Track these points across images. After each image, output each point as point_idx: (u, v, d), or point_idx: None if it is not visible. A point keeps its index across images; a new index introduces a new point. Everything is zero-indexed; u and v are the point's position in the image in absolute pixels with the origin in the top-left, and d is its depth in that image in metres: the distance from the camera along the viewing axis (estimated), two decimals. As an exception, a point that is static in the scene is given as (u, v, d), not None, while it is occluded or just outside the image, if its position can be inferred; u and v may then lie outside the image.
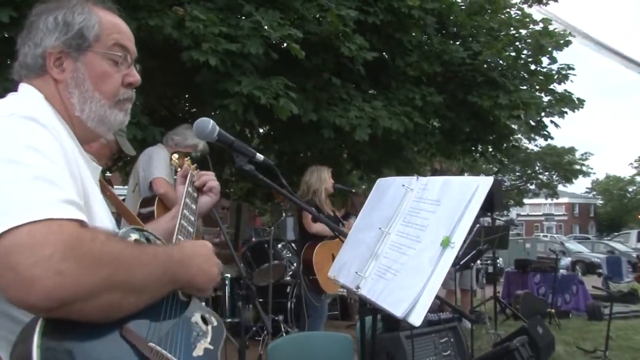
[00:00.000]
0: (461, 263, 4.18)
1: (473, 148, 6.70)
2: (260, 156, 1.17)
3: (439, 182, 1.11)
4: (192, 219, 0.97)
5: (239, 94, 3.65)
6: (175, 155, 1.21)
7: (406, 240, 1.08)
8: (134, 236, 0.72)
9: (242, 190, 10.02)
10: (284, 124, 4.72)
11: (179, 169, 1.15)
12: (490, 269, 7.47)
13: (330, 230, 3.77)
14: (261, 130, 7.36)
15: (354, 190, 4.09)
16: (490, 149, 6.71)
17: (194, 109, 5.84)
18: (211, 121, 1.09)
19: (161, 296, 0.69)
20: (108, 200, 0.87)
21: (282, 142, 5.89)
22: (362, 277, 1.12)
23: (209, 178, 1.09)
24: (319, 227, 3.30)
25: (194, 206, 1.03)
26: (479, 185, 1.01)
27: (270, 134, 6.58)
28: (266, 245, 4.17)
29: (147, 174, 2.51)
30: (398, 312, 0.95)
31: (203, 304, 0.81)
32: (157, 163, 2.48)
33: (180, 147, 2.54)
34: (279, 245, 4.99)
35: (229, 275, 3.98)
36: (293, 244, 4.94)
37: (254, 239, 4.77)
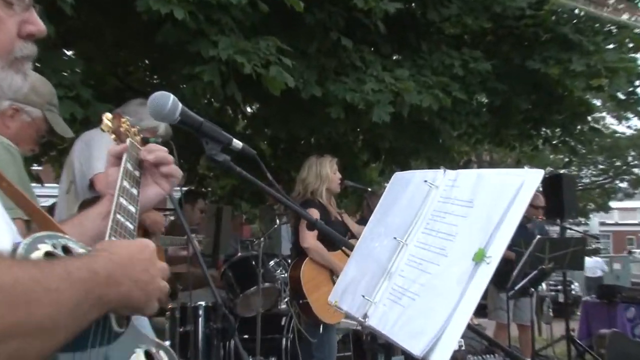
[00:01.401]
0: (516, 288, 4.10)
1: (534, 132, 6.68)
2: (238, 143, 1.20)
3: (471, 177, 1.11)
4: (133, 210, 0.93)
5: (215, 59, 3.68)
6: (108, 116, 1.14)
7: (428, 253, 1.09)
8: (45, 248, 0.68)
9: (224, 190, 10.14)
10: (277, 101, 4.76)
11: (112, 137, 1.11)
12: (561, 298, 7.32)
13: (328, 246, 3.78)
14: (248, 110, 7.44)
15: (369, 189, 4.11)
16: (559, 133, 6.64)
17: (156, 79, 5.91)
18: (171, 96, 1.11)
19: (84, 327, 0.67)
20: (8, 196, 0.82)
21: (276, 126, 5.96)
22: (371, 303, 1.13)
23: (164, 155, 1.05)
24: (311, 241, 3.33)
25: (135, 191, 0.98)
26: (525, 181, 1.00)
27: (260, 115, 6.65)
28: (254, 262, 4.22)
29: (86, 168, 2.39)
30: (416, 348, 0.95)
31: (150, 335, 0.80)
32: (100, 153, 2.34)
33: None
34: (272, 262, 5.03)
35: (202, 303, 4.02)
36: (290, 260, 5.00)
37: (239, 254, 4.82)
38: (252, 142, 6.52)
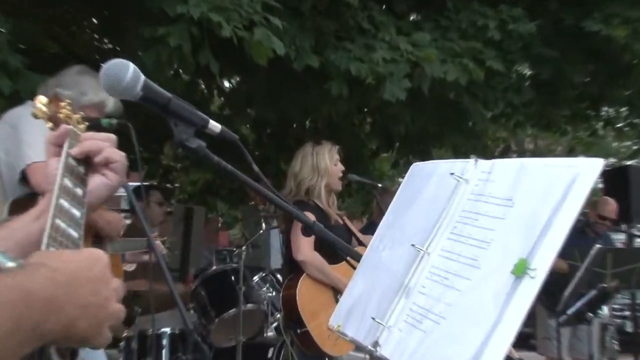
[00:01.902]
0: (569, 312, 4.04)
1: (592, 112, 6.68)
2: (216, 125, 1.21)
3: (511, 169, 1.12)
4: (77, 214, 0.93)
5: (184, 18, 3.69)
6: (42, 99, 1.14)
7: (456, 264, 1.10)
8: None
9: (196, 186, 10.22)
10: (263, 74, 4.78)
11: (49, 125, 1.11)
12: (629, 327, 7.10)
13: (329, 258, 3.75)
14: (226, 84, 7.45)
15: (380, 186, 4.10)
16: (625, 114, 6.60)
17: (107, 44, 5.89)
18: (130, 65, 1.11)
19: None
20: None
21: (262, 105, 5.99)
22: (384, 327, 1.14)
23: (104, 144, 1.06)
24: (308, 252, 3.32)
25: (79, 191, 0.98)
26: (580, 173, 1.01)
27: (242, 91, 6.66)
28: (234, 278, 4.24)
29: (14, 157, 2.31)
30: (442, 385, 0.98)
31: None
32: (33, 138, 2.24)
33: (75, 106, 2.49)
34: (256, 278, 5.06)
35: (166, 330, 4.04)
36: (279, 276, 5.01)
37: (214, 267, 4.84)
38: (231, 125, 6.54)
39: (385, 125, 6.55)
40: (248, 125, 7.90)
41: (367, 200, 8.12)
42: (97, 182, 1.06)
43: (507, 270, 1.00)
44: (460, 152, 6.34)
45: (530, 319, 4.14)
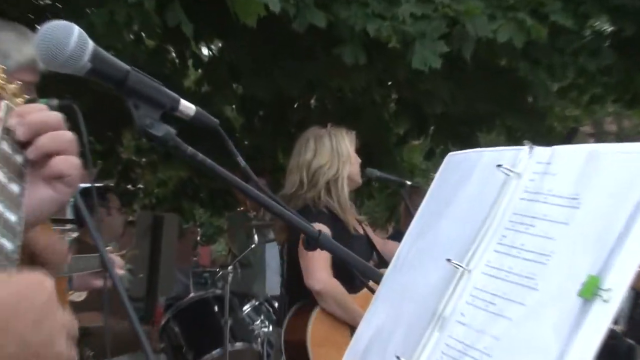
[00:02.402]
0: None
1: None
2: (189, 107, 1.22)
3: (577, 157, 1.12)
4: (12, 219, 0.93)
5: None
6: None
7: (506, 285, 1.10)
8: None
9: (166, 187, 10.20)
10: (253, 38, 4.77)
11: None
12: None
13: (346, 284, 3.64)
14: (205, 52, 7.43)
15: (409, 183, 4.08)
16: None
17: (46, 0, 5.89)
18: (75, 28, 1.11)
19: None
20: None
21: (252, 79, 5.97)
22: (412, 369, 1.14)
23: (57, 134, 1.03)
24: (326, 278, 3.21)
25: (15, 189, 0.97)
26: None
27: (225, 60, 6.65)
28: (217, 308, 4.25)
29: None
30: None
31: None
32: None
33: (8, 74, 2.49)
34: (247, 307, 5.07)
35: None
36: (277, 304, 5.02)
37: (191, 294, 4.85)
38: (211, 105, 6.54)
39: (416, 104, 6.51)
40: (233, 106, 7.89)
41: (393, 204, 8.03)
42: (43, 195, 1.05)
43: (572, 291, 1.00)
44: (516, 138, 6.31)
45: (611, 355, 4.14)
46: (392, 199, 8.67)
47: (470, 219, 1.22)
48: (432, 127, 7.13)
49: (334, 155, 3.46)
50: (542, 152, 1.19)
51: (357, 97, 6.42)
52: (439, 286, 1.19)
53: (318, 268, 3.23)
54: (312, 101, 7.10)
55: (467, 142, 6.52)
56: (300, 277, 3.35)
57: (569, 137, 11.08)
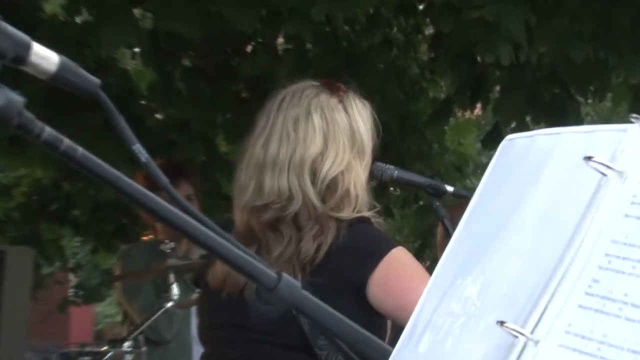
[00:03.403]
0: None
1: None
2: (47, 55, 0.93)
3: None
4: None
5: None
6: None
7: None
8: None
9: (11, 199, 6.84)
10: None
11: None
12: None
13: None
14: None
15: (451, 190, 2.79)
16: None
17: None
18: None
19: None
20: None
21: (166, 7, 4.26)
22: None
23: None
24: None
25: None
26: None
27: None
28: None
29: None
30: None
31: None
32: None
33: None
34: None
35: None
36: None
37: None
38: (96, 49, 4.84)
39: (465, 47, 4.63)
40: (136, 50, 5.53)
41: (426, 226, 6.13)
42: None
43: None
44: (605, 118, 5.14)
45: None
46: (424, 217, 6.29)
47: (538, 250, 0.97)
48: (496, 88, 5.30)
49: (353, 147, 2.54)
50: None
51: (361, 35, 4.84)
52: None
53: None
54: (279, 40, 5.28)
55: (558, 116, 4.80)
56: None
57: None
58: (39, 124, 0.89)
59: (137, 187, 0.94)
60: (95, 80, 0.94)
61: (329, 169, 2.52)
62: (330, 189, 2.52)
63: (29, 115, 0.88)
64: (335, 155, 2.56)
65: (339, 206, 2.52)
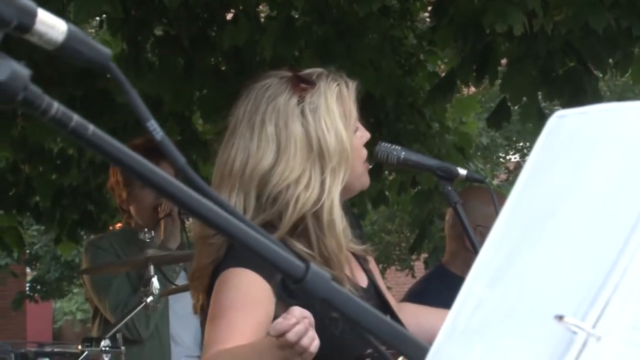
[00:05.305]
0: None
1: None
2: (53, 23, 0.84)
3: None
4: None
5: None
6: None
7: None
8: None
9: None
10: None
11: None
12: None
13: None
14: None
15: (463, 173, 2.38)
16: None
17: None
18: None
19: None
20: None
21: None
22: None
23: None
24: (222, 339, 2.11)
25: None
26: None
27: None
28: None
29: None
30: None
31: None
32: None
33: None
34: None
35: None
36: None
37: None
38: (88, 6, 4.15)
39: (470, 12, 4.13)
40: (103, 20, 4.83)
41: (426, 215, 5.52)
42: None
43: None
44: None
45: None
46: (423, 204, 5.67)
47: (596, 237, 0.91)
48: (502, 62, 4.86)
49: (310, 154, 2.34)
50: None
51: (354, 1, 4.33)
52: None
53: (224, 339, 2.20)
54: (263, 7, 5.04)
55: (574, 92, 4.46)
56: None
57: None
58: (47, 98, 0.81)
59: (157, 170, 0.87)
60: (106, 51, 0.87)
61: (276, 183, 2.36)
62: (274, 203, 2.35)
63: (36, 89, 0.80)
64: (284, 168, 2.37)
65: (274, 219, 2.36)
